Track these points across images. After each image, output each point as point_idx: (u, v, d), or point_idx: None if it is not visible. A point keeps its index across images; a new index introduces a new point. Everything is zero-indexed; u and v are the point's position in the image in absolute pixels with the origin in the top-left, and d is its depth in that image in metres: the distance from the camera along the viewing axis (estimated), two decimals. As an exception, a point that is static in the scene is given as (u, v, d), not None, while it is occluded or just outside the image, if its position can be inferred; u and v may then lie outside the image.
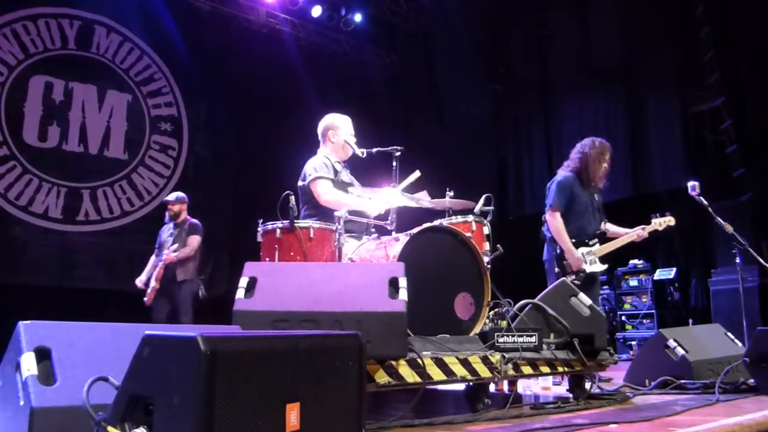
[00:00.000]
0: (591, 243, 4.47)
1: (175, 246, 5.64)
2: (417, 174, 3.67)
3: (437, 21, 9.47)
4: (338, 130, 4.00)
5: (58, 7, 7.26)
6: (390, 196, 3.52)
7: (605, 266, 4.49)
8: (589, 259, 4.40)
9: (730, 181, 6.78)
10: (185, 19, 8.01)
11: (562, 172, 4.63)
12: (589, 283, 4.34)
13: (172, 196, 6.02)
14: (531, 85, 8.87)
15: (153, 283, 5.67)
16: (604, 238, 4.58)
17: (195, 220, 6.02)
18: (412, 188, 3.73)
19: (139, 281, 5.88)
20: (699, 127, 7.49)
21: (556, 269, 4.36)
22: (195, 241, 5.85)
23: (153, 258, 5.99)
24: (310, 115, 4.33)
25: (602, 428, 2.30)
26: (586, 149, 4.56)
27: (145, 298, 5.72)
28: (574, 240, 4.41)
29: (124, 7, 7.62)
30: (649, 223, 4.65)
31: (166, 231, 5.95)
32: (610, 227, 4.68)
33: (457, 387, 3.04)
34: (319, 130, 4.08)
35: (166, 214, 6.00)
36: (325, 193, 3.71)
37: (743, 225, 5.28)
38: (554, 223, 4.43)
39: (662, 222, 4.65)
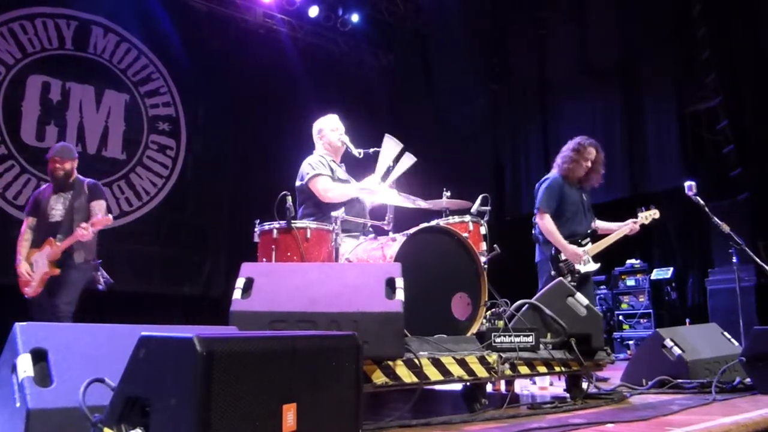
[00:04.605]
0: (583, 243, 4.48)
1: (95, 220, 4.20)
2: (412, 159, 3.71)
3: (435, 21, 9.47)
4: (324, 131, 4.08)
5: (55, 7, 7.25)
6: (390, 196, 3.54)
7: (598, 265, 4.50)
8: (583, 259, 4.41)
9: (727, 180, 6.79)
10: (182, 19, 8.00)
11: (552, 174, 4.65)
12: (582, 282, 4.35)
13: (58, 151, 4.50)
14: (528, 85, 8.87)
15: (45, 267, 4.28)
16: (594, 237, 4.59)
17: (91, 179, 4.62)
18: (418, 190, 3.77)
19: (25, 270, 4.36)
20: (696, 127, 7.50)
21: (552, 272, 4.36)
22: (103, 206, 4.49)
23: (27, 232, 4.49)
24: (307, 115, 4.34)
25: (599, 428, 2.31)
26: (569, 149, 4.59)
27: (28, 289, 4.34)
28: (567, 242, 4.41)
29: (121, 8, 7.61)
30: (635, 218, 4.66)
31: (54, 198, 4.47)
32: (600, 224, 4.69)
33: (454, 387, 3.04)
34: (313, 137, 4.17)
35: (51, 176, 4.50)
36: (327, 189, 3.74)
37: (740, 224, 5.30)
38: (544, 224, 4.43)
39: (648, 215, 4.68)
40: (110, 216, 4.31)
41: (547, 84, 8.64)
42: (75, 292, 4.35)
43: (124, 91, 7.63)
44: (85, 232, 4.15)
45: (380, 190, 3.61)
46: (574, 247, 4.37)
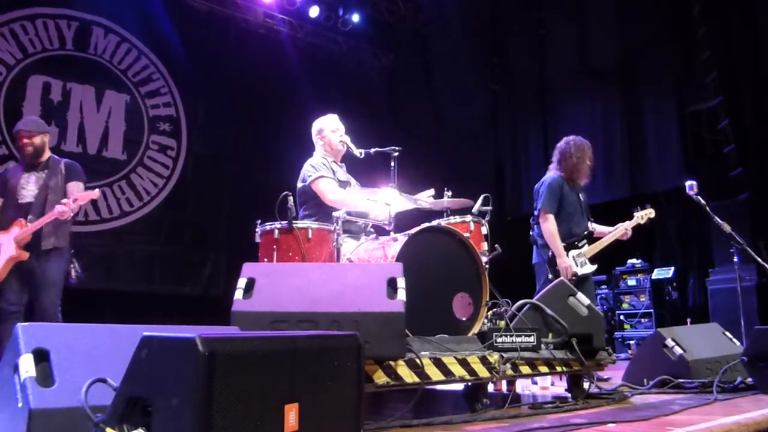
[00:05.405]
0: (580, 245, 4.47)
1: (79, 195, 3.90)
2: (431, 192, 3.74)
3: (435, 21, 9.47)
4: (324, 131, 4.07)
5: (56, 8, 7.25)
6: (391, 197, 3.53)
7: (595, 266, 4.49)
8: (580, 261, 4.40)
9: (728, 180, 6.79)
10: (183, 19, 8.00)
11: (551, 174, 4.62)
12: (580, 283, 4.34)
13: (24, 124, 4.17)
14: (529, 85, 8.87)
15: (11, 251, 3.88)
16: (591, 238, 4.58)
17: (68, 159, 4.29)
18: (418, 190, 3.78)
19: None
20: (696, 127, 7.50)
21: (549, 275, 4.34)
22: (81, 189, 4.14)
23: None
24: (307, 115, 4.34)
25: (600, 428, 2.31)
26: (570, 149, 4.56)
27: None
28: (564, 243, 4.40)
29: (122, 8, 7.61)
30: (631, 218, 4.65)
31: (26, 177, 4.11)
32: (596, 227, 4.68)
33: (455, 387, 3.04)
34: (313, 137, 4.16)
35: (20, 153, 4.23)
36: (331, 191, 3.74)
37: (741, 224, 5.29)
38: (548, 227, 4.40)
39: (643, 215, 4.66)
40: (97, 191, 4.03)
41: (547, 84, 8.64)
42: (57, 290, 4.04)
43: (125, 91, 7.64)
44: (66, 209, 3.81)
45: (381, 197, 3.60)
46: (569, 262, 4.35)
